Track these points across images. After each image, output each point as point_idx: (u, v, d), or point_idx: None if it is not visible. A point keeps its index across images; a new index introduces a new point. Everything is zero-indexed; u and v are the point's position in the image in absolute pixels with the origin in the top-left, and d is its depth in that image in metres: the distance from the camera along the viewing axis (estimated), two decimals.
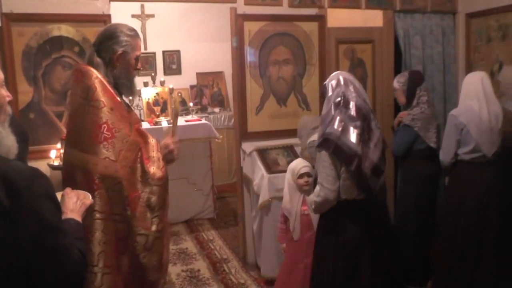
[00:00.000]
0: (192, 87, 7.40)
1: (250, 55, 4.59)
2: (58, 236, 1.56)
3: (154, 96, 5.91)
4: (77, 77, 2.37)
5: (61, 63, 4.21)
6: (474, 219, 3.50)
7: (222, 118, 7.13)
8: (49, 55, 4.16)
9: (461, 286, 3.63)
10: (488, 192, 3.51)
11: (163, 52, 7.31)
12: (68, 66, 4.23)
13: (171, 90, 6.03)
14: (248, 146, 4.50)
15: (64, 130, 4.19)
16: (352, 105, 2.75)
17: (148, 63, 7.17)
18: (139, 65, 2.54)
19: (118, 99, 2.39)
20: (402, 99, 4.16)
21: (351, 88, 2.82)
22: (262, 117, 4.68)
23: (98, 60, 2.42)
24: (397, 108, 5.15)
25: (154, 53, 7.24)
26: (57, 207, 1.64)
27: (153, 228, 2.37)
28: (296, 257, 3.62)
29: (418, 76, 4.18)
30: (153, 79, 6.14)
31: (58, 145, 4.11)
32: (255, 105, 4.67)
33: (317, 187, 2.77)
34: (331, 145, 2.67)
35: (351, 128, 2.70)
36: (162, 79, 6.15)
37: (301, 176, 3.54)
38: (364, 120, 2.74)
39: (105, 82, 2.34)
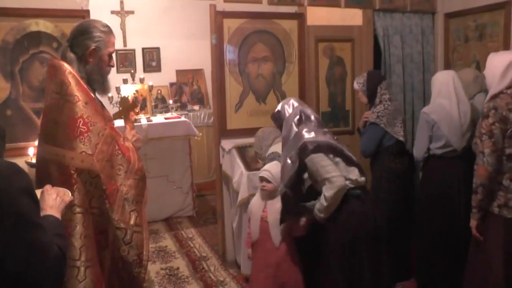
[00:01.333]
0: (171, 84, 7.36)
1: (230, 53, 4.59)
2: (37, 232, 1.54)
3: (134, 94, 5.86)
4: (51, 72, 2.37)
5: (39, 59, 4.18)
6: (447, 211, 3.65)
7: (202, 116, 7.10)
8: (26, 51, 4.12)
9: (444, 281, 3.75)
10: (458, 185, 3.65)
11: (143, 49, 7.25)
12: (46, 62, 4.18)
13: (151, 88, 6.00)
14: (227, 144, 4.49)
15: None
16: (313, 118, 3.11)
17: (127, 60, 7.11)
18: (112, 62, 2.54)
19: (92, 95, 2.39)
20: (364, 99, 4.21)
21: (306, 106, 3.22)
22: (242, 114, 4.68)
23: (71, 55, 2.42)
24: None
25: (134, 50, 7.18)
26: (36, 203, 1.62)
27: (131, 221, 2.39)
28: (258, 264, 3.48)
29: (376, 75, 4.23)
30: (133, 76, 6.10)
31: (36, 143, 3.97)
32: (235, 102, 4.67)
33: (325, 187, 2.90)
34: (317, 147, 2.93)
35: (322, 132, 3.04)
36: (141, 76, 6.11)
37: (260, 178, 3.45)
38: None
39: (78, 77, 2.34)
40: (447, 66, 5.39)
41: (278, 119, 3.23)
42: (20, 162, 3.82)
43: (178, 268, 4.62)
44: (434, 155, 3.79)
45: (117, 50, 6.97)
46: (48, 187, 1.99)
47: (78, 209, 2.22)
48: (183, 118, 5.97)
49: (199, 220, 5.97)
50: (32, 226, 1.53)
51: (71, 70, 2.33)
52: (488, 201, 2.96)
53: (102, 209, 2.31)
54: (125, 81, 5.96)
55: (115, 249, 2.36)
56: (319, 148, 2.93)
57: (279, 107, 3.25)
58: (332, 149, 2.97)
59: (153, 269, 4.60)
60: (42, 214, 1.80)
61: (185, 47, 7.24)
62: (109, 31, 2.50)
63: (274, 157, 3.59)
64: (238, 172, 4.19)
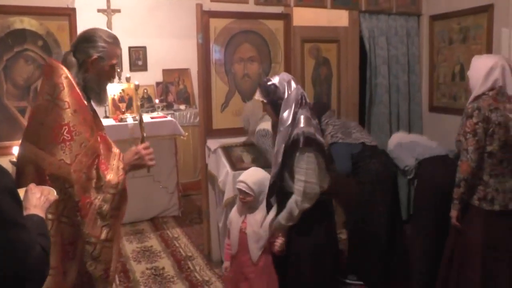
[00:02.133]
0: (158, 84, 7.35)
1: (216, 52, 4.59)
2: (18, 231, 1.51)
3: (120, 93, 5.84)
4: (47, 72, 2.34)
5: (24, 57, 4.14)
6: (443, 211, 3.62)
7: (188, 115, 7.09)
8: (11, 49, 4.08)
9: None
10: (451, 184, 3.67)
11: (129, 48, 7.22)
12: (31, 60, 4.16)
13: (137, 87, 5.98)
14: (213, 143, 4.49)
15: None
16: (308, 104, 2.96)
17: None
18: (114, 74, 2.51)
19: (85, 102, 2.35)
20: None
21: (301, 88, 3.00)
22: (227, 114, 4.68)
23: (72, 59, 2.38)
24: (362, 107, 5.25)
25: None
26: (18, 203, 1.59)
27: (102, 236, 2.32)
28: (233, 278, 3.29)
29: (319, 106, 4.33)
30: (119, 75, 6.07)
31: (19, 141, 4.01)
32: (220, 102, 4.67)
33: (299, 187, 2.83)
34: (314, 143, 2.83)
35: (314, 124, 2.91)
36: (128, 75, 6.09)
37: (237, 190, 3.21)
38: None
39: (74, 83, 2.30)
40: (432, 67, 5.44)
41: (273, 94, 2.91)
42: (4, 161, 3.82)
43: (163, 268, 4.61)
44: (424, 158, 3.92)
45: None
46: (32, 185, 1.95)
47: (49, 216, 2.16)
48: (169, 118, 5.96)
49: (185, 220, 5.96)
50: (13, 225, 1.50)
51: (68, 75, 2.29)
52: (469, 195, 3.21)
53: (73, 221, 2.26)
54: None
55: (81, 262, 2.31)
56: (313, 144, 2.83)
57: (276, 81, 2.93)
58: (322, 149, 2.90)
59: (139, 269, 4.58)
60: (25, 213, 1.77)
61: (172, 47, 7.24)
62: (114, 43, 2.45)
63: (265, 133, 3.56)
64: (223, 171, 4.19)
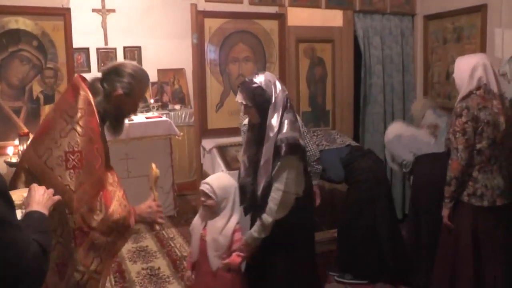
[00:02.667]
0: (153, 84, 7.32)
1: (211, 52, 4.60)
2: (9, 230, 1.48)
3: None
4: (72, 91, 2.29)
5: (19, 57, 4.14)
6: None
7: (183, 115, 7.06)
8: (5, 49, 4.08)
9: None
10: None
11: (124, 48, 7.21)
12: (26, 60, 4.16)
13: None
14: (208, 143, 4.50)
15: (22, 126, 4.15)
16: (292, 106, 2.80)
17: (108, 59, 7.07)
18: (135, 111, 2.47)
19: (99, 129, 2.30)
20: None
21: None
22: (222, 114, 4.69)
23: (99, 87, 2.34)
24: (357, 107, 5.26)
25: (115, 49, 7.14)
26: (9, 203, 1.55)
27: (92, 267, 2.27)
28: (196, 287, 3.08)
29: None
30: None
31: (16, 142, 4.01)
32: (215, 102, 4.68)
33: (276, 196, 2.69)
34: (300, 150, 2.72)
35: (298, 127, 2.79)
36: None
37: (200, 191, 2.96)
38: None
39: (95, 111, 2.26)
40: (426, 67, 5.46)
41: (259, 97, 2.70)
42: None
43: (159, 268, 4.59)
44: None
45: (98, 49, 6.95)
46: (35, 185, 1.95)
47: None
48: (164, 118, 5.95)
49: (180, 220, 5.94)
50: (4, 226, 1.47)
51: (92, 102, 2.25)
52: (459, 191, 3.25)
53: (68, 246, 2.22)
54: None
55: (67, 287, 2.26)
56: (297, 151, 2.70)
57: (261, 83, 2.72)
58: (304, 154, 2.84)
59: (134, 269, 4.57)
60: (27, 210, 1.79)
61: (166, 46, 7.23)
62: (142, 82, 2.41)
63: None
64: (218, 171, 4.19)
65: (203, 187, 2.87)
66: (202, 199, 2.87)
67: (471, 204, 3.24)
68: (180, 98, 7.44)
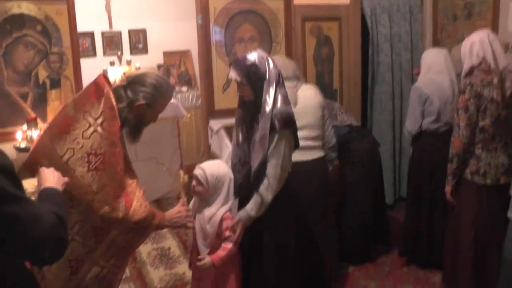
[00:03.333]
0: (159, 66, 7.30)
1: (216, 33, 4.55)
2: (21, 205, 1.52)
3: (121, 76, 5.83)
4: (96, 92, 2.27)
5: (23, 43, 4.12)
6: (438, 186, 3.72)
7: (190, 97, 7.02)
8: (9, 34, 4.05)
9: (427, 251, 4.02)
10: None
11: (129, 31, 7.16)
12: (31, 46, 4.14)
13: (138, 70, 5.97)
14: (215, 124, 4.48)
15: (30, 111, 4.17)
16: (283, 82, 2.78)
17: (113, 42, 7.03)
18: (155, 120, 2.49)
19: (119, 133, 2.31)
20: None
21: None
22: (229, 94, 4.64)
23: (122, 94, 2.35)
24: (365, 86, 5.23)
25: (120, 32, 7.09)
26: (15, 179, 1.56)
27: (111, 261, 2.33)
28: (193, 273, 2.98)
29: None
30: (120, 58, 6.06)
31: (24, 127, 4.03)
32: (222, 83, 4.64)
33: (275, 172, 2.66)
34: (293, 123, 2.71)
35: (289, 102, 2.77)
36: (128, 58, 6.06)
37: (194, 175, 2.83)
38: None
39: (118, 116, 2.26)
40: (436, 45, 5.36)
41: (253, 75, 2.67)
42: (8, 147, 3.85)
43: (169, 249, 4.66)
44: (426, 131, 3.93)
45: (103, 33, 6.91)
46: (43, 168, 2.00)
47: None
48: (171, 100, 5.89)
49: (189, 201, 5.94)
50: (13, 200, 1.50)
51: (115, 107, 2.25)
52: (462, 169, 3.28)
53: (87, 244, 2.25)
54: (112, 64, 5.93)
55: (83, 281, 2.29)
56: (291, 124, 2.69)
57: (254, 60, 2.68)
58: (296, 130, 2.78)
59: (145, 249, 4.63)
60: (39, 188, 1.86)
61: (172, 28, 7.16)
62: (165, 93, 2.43)
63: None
64: (226, 152, 4.18)
65: (197, 171, 2.77)
66: (193, 183, 2.77)
67: (474, 182, 3.25)
68: (187, 80, 7.39)
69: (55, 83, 4.32)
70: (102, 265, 2.30)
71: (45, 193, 1.82)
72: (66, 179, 2.00)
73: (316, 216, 3.42)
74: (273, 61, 2.74)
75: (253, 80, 2.66)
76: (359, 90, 5.20)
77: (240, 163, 2.79)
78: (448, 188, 3.35)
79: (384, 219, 4.38)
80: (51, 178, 1.92)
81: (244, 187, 2.76)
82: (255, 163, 2.67)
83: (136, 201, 2.32)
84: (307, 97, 3.51)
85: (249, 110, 2.76)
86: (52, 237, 1.57)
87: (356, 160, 4.09)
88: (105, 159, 2.19)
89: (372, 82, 5.32)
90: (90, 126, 2.21)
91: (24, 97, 4.18)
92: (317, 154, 3.51)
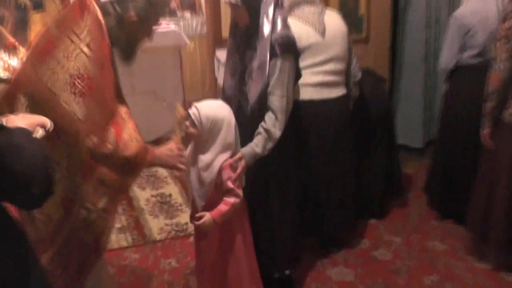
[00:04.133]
0: None
1: None
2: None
3: None
4: (80, 8, 2.12)
5: None
6: (473, 126, 3.47)
7: (194, 24, 6.76)
8: None
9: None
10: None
11: None
12: None
13: None
14: (223, 54, 4.21)
15: (8, 36, 4.01)
16: (282, 4, 2.66)
17: None
18: (151, 36, 2.33)
19: (111, 55, 2.20)
20: None
21: None
22: None
23: (110, 9, 2.17)
24: (395, 12, 4.85)
25: None
26: None
27: (100, 205, 2.21)
28: (195, 229, 2.75)
29: None
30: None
31: (2, 54, 3.92)
32: None
33: (281, 104, 2.56)
34: (295, 48, 2.65)
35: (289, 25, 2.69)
36: None
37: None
38: None
39: (106, 34, 2.13)
40: None
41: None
42: None
43: (170, 195, 4.47)
44: (464, 65, 3.64)
45: None
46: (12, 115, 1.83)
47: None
48: (172, 27, 5.65)
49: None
50: None
51: (103, 23, 2.11)
52: (500, 109, 3.06)
53: (74, 180, 2.15)
54: None
55: (73, 229, 2.21)
56: (293, 49, 2.62)
57: None
58: (298, 55, 2.72)
59: (143, 196, 4.44)
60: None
61: None
62: (157, 4, 2.27)
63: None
64: None
65: (191, 110, 2.51)
66: (186, 123, 2.51)
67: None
68: (190, 4, 7.03)
69: (38, 5, 4.22)
70: (90, 208, 2.21)
71: (13, 132, 1.59)
72: (42, 119, 1.76)
73: (334, 163, 3.31)
74: None
75: (248, 2, 2.56)
76: (388, 17, 4.79)
77: (234, 97, 2.73)
78: (485, 131, 3.13)
79: (394, 166, 4.12)
80: (21, 120, 1.70)
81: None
82: (253, 95, 2.60)
83: (126, 134, 2.23)
84: (335, 24, 3.26)
85: (244, 36, 2.66)
86: (39, 170, 1.46)
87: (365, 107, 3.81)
88: (93, 84, 2.07)
89: (404, 8, 4.87)
90: (74, 45, 2.07)
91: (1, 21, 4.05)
92: (342, 91, 3.30)
